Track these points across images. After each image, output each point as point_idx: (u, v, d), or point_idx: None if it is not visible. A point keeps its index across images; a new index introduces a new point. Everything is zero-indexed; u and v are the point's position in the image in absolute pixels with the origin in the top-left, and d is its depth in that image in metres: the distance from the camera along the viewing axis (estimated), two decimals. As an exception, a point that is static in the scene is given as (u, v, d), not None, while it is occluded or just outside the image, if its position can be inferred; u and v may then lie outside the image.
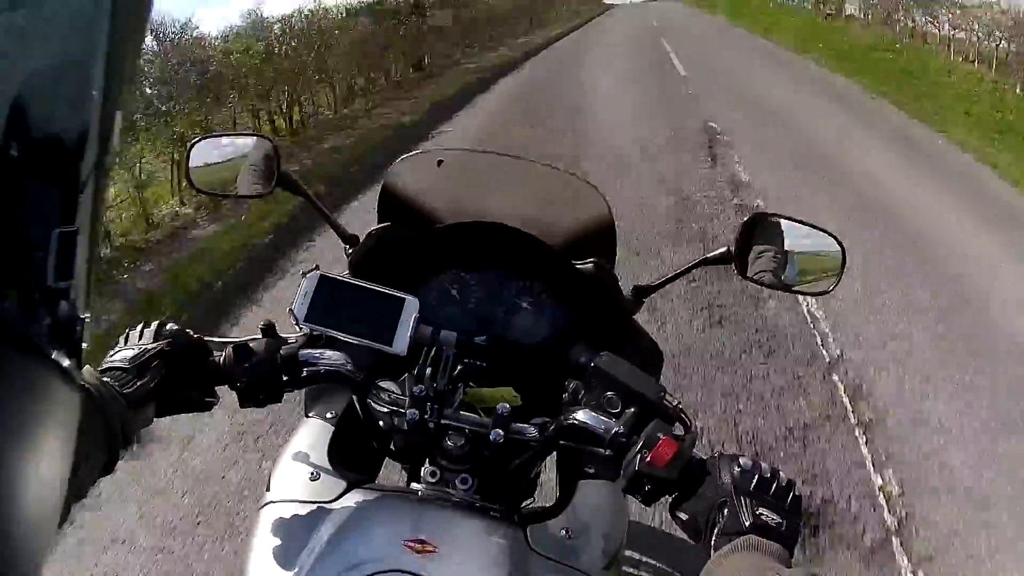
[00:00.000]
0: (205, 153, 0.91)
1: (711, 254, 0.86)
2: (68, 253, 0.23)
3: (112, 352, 0.66)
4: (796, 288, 0.88)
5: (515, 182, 0.97)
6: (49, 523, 0.24)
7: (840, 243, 0.87)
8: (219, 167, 0.91)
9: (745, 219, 0.85)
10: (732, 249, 0.84)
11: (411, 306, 0.72)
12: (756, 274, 0.86)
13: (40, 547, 0.23)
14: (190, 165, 0.90)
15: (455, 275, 0.85)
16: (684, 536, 0.63)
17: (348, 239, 0.88)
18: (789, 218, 0.87)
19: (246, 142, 0.92)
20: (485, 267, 0.85)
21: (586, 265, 0.84)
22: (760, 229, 0.85)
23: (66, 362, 0.23)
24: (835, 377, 2.57)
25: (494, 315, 0.85)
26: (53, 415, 0.23)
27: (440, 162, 0.92)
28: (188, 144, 0.92)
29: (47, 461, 0.23)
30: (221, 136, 0.97)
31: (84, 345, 0.25)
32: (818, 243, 0.88)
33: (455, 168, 0.95)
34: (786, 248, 0.86)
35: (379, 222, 0.87)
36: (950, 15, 10.63)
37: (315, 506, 0.70)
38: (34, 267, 0.22)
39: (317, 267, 0.76)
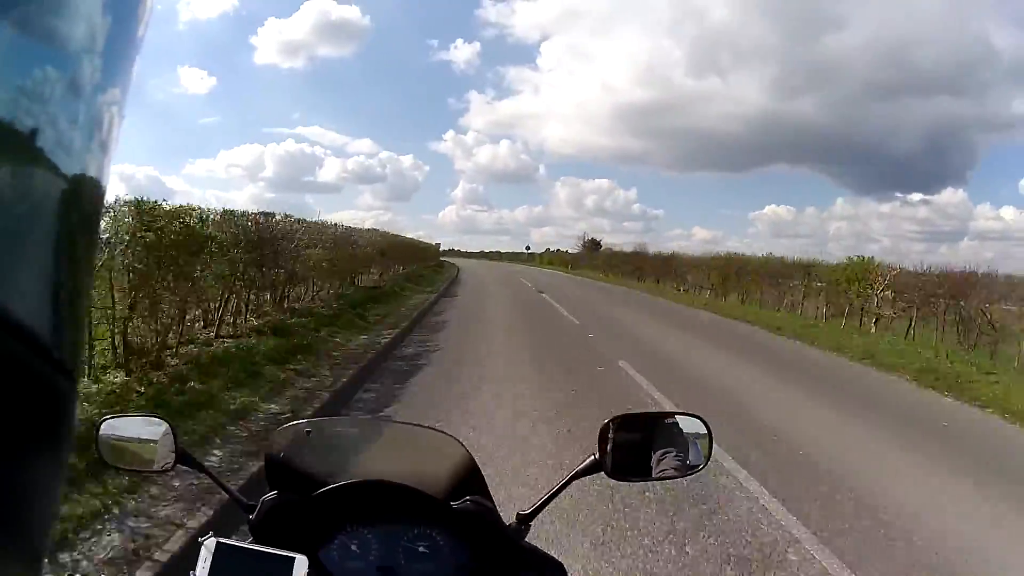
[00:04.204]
0: (112, 431, 0.95)
1: (580, 467, 0.93)
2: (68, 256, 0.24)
3: None
4: (667, 475, 0.94)
5: (381, 441, 1.04)
6: (47, 521, 0.25)
7: (703, 420, 0.95)
8: (125, 444, 0.96)
9: (602, 424, 0.92)
10: (596, 456, 0.92)
11: (300, 564, 0.77)
12: (625, 473, 0.94)
13: (38, 545, 0.24)
14: (99, 442, 0.94)
15: (352, 531, 0.89)
16: None
17: (246, 508, 0.92)
18: (644, 413, 0.98)
19: (146, 421, 0.97)
20: (377, 521, 0.89)
21: (463, 504, 0.88)
22: (620, 428, 0.93)
23: (65, 362, 0.24)
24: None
25: (395, 563, 0.89)
26: (53, 415, 0.24)
27: (308, 432, 0.96)
28: (96, 422, 0.94)
29: (46, 460, 0.24)
30: (124, 416, 1.01)
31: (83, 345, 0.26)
32: (681, 425, 0.95)
33: (325, 435, 1.01)
34: (651, 439, 0.94)
35: (268, 489, 0.92)
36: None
37: None
38: (36, 272, 0.23)
39: (212, 534, 0.81)
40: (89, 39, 0.24)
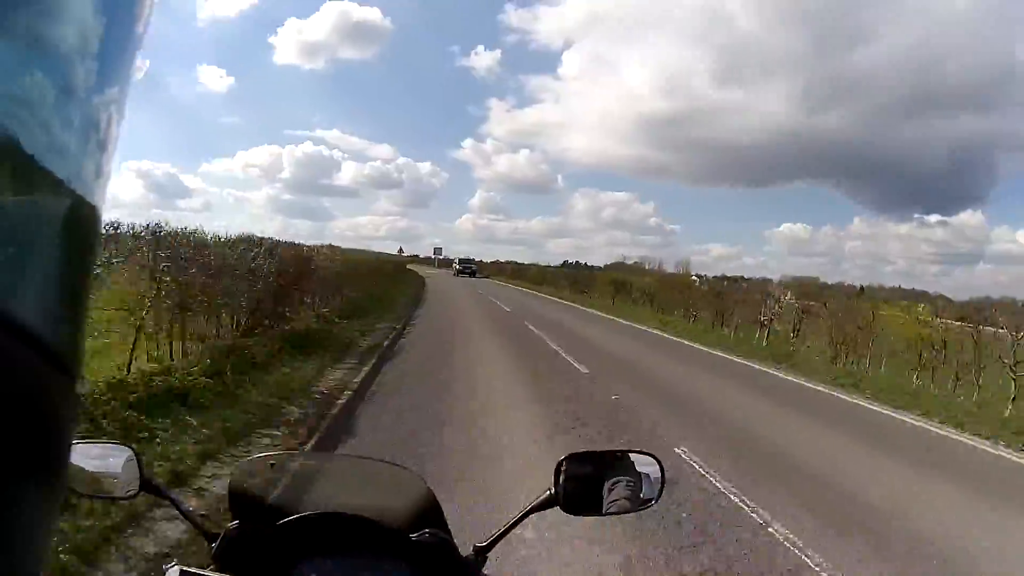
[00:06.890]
0: (78, 458, 0.94)
1: (536, 501, 0.96)
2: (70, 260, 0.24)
3: None
4: (619, 511, 0.97)
5: (344, 474, 1.07)
6: (48, 520, 0.24)
7: (656, 458, 0.99)
8: (92, 471, 0.95)
9: (558, 461, 0.97)
10: (552, 491, 0.96)
11: None
12: (579, 508, 0.97)
13: (40, 544, 0.24)
14: None
15: (315, 563, 0.88)
16: None
17: (209, 536, 0.92)
18: (599, 452, 1.02)
19: (111, 447, 0.98)
20: (339, 552, 0.89)
21: (422, 536, 0.90)
22: (574, 464, 0.97)
23: (66, 363, 0.24)
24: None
25: None
26: (53, 414, 0.24)
27: (272, 465, 0.97)
28: None
29: (47, 459, 0.24)
30: (87, 443, 1.00)
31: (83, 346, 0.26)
32: (634, 462, 0.98)
33: (289, 468, 1.02)
34: (604, 475, 0.97)
35: (232, 519, 0.92)
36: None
37: None
38: (37, 274, 0.23)
39: (176, 562, 0.83)
40: (81, 42, 0.23)
